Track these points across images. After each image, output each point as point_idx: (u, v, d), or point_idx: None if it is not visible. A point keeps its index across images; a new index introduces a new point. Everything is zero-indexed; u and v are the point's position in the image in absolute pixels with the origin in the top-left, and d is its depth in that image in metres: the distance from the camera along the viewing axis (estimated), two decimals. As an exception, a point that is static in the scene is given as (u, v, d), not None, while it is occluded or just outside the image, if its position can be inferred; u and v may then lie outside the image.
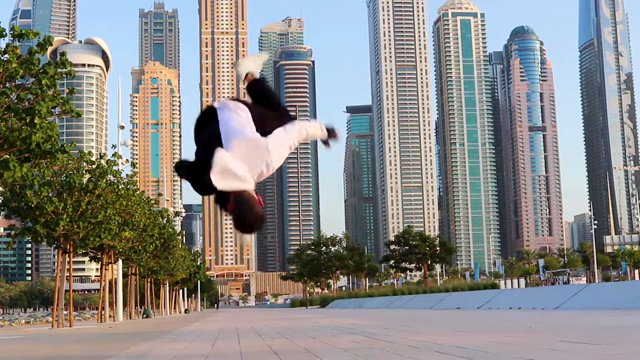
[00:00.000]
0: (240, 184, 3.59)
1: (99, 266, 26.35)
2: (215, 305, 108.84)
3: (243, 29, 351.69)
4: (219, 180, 3.55)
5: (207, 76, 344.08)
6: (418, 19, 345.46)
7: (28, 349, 8.03)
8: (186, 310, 67.29)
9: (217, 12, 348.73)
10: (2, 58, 11.87)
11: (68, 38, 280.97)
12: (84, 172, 19.20)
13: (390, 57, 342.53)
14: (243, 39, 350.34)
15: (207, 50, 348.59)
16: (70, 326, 19.67)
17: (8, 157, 11.61)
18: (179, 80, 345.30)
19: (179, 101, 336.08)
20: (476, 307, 21.19)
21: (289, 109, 4.15)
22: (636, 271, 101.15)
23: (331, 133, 4.07)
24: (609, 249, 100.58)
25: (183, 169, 3.71)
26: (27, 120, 11.62)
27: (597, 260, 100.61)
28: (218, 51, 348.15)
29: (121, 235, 22.27)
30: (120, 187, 21.19)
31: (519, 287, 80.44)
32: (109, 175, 20.20)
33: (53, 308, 19.89)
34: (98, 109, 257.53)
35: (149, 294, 43.59)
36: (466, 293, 35.83)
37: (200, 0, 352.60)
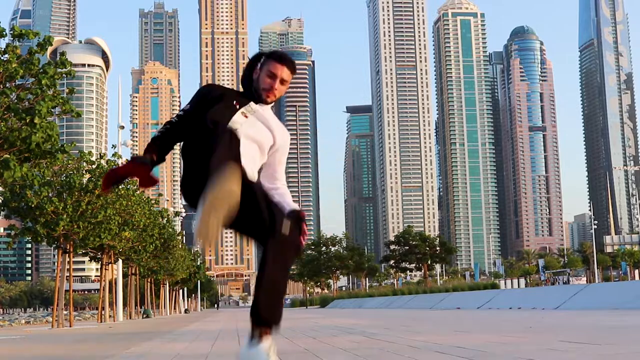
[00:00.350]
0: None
1: (99, 266, 26.34)
2: (216, 305, 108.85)
3: (243, 29, 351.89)
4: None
5: (207, 76, 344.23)
6: (418, 19, 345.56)
7: (28, 349, 8.04)
8: (186, 311, 67.27)
9: (217, 12, 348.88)
10: (2, 58, 11.86)
11: (68, 38, 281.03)
12: (84, 172, 19.17)
13: (390, 57, 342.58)
14: (243, 39, 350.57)
15: (207, 50, 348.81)
16: (70, 326, 19.67)
17: (8, 157, 11.61)
18: (179, 80, 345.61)
19: (179, 101, 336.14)
20: (476, 307, 21.18)
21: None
22: (636, 271, 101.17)
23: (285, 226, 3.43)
24: (609, 249, 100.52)
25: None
26: (27, 120, 11.61)
27: (597, 260, 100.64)
28: (218, 51, 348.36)
29: (121, 235, 22.27)
30: (120, 187, 21.17)
31: (519, 287, 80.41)
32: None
33: (53, 308, 19.88)
34: (98, 109, 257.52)
35: (149, 294, 43.60)
36: (466, 293, 35.78)
37: (200, 0, 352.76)
